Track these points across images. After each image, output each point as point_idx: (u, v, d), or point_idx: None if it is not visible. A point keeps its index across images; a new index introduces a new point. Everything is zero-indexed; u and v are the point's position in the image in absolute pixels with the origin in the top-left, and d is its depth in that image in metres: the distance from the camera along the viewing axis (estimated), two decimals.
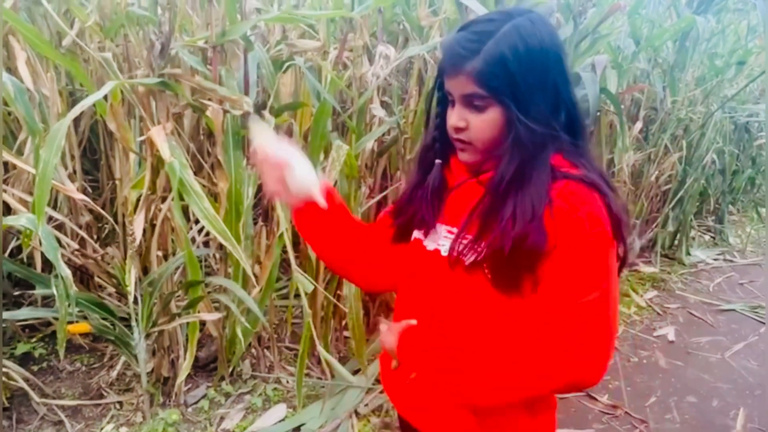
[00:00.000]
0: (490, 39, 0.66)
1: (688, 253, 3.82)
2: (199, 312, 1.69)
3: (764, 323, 2.92)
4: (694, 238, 4.04)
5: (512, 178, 0.67)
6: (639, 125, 3.27)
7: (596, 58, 2.24)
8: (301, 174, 0.76)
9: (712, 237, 4.28)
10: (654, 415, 2.06)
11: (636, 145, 3.43)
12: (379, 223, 0.90)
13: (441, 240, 0.77)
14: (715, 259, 3.87)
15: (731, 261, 3.88)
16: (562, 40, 2.25)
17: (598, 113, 2.60)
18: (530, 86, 0.67)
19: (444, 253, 0.75)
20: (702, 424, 2.02)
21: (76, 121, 2.37)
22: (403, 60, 1.91)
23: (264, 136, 0.78)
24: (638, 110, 3.43)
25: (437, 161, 0.79)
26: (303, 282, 1.53)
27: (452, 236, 0.74)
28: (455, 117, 0.71)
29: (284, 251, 1.96)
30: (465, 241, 0.71)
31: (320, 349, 1.61)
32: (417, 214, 0.80)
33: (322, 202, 0.81)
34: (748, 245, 4.18)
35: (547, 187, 0.67)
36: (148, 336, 1.69)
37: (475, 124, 0.70)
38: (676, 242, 3.85)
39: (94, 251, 2.08)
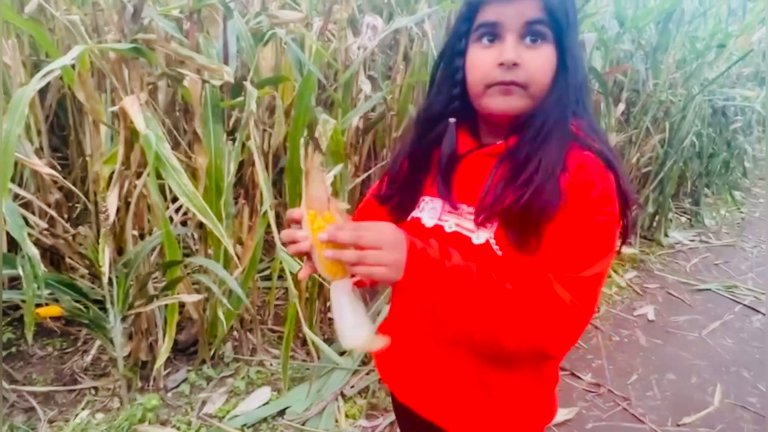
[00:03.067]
0: None
1: (666, 235, 3.89)
2: (178, 293, 1.63)
3: (738, 302, 3.00)
4: (671, 220, 4.11)
5: (548, 131, 0.64)
6: (621, 107, 3.28)
7: (585, 36, 2.21)
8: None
9: (688, 219, 4.37)
10: (636, 393, 2.09)
11: (618, 127, 3.44)
12: (364, 213, 0.85)
13: (444, 215, 0.72)
14: (691, 240, 3.95)
15: (707, 242, 3.97)
16: None
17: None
18: (575, 30, 0.65)
19: (448, 229, 0.70)
20: (682, 401, 2.06)
21: (43, 94, 2.23)
22: (388, 34, 1.85)
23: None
24: (621, 92, 3.44)
25: (451, 120, 0.70)
26: (289, 262, 1.47)
27: (456, 212, 0.70)
28: (511, 51, 0.62)
29: (267, 231, 1.90)
30: (482, 218, 0.66)
31: (306, 330, 1.56)
32: (419, 187, 0.74)
33: None
34: (723, 227, 4.28)
35: (566, 149, 0.64)
36: (124, 319, 1.62)
37: (533, 61, 0.63)
38: (654, 223, 3.91)
39: (65, 231, 1.98)
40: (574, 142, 0.65)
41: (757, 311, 2.90)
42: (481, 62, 0.65)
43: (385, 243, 0.58)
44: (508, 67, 0.63)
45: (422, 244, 0.61)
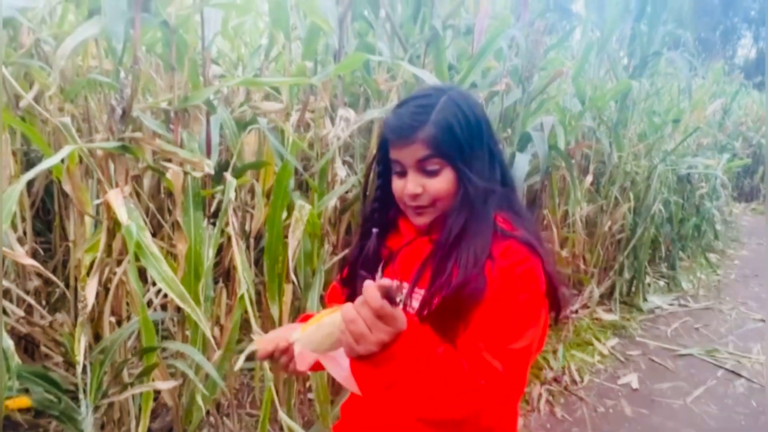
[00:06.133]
0: (433, 110, 0.76)
1: (645, 300, 3.95)
2: (153, 380, 1.61)
3: (720, 367, 3.01)
4: (649, 285, 4.19)
5: (459, 232, 0.74)
6: (590, 178, 3.47)
7: (544, 118, 2.39)
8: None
9: (666, 283, 4.46)
10: None
11: (588, 197, 3.61)
12: (333, 297, 0.92)
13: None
14: (670, 305, 4.01)
15: (685, 306, 4.03)
16: (513, 102, 2.42)
17: (549, 168, 2.74)
18: (472, 148, 0.76)
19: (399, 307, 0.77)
20: None
21: (30, 180, 2.31)
22: (364, 120, 1.99)
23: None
24: (588, 164, 3.65)
25: (374, 230, 0.84)
26: None
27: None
28: (411, 184, 0.77)
29: (246, 311, 1.91)
30: (417, 296, 0.76)
31: (282, 415, 1.54)
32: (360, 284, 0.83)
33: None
34: (700, 290, 4.36)
35: (490, 240, 0.73)
36: (96, 409, 1.59)
37: (432, 186, 0.76)
38: (633, 289, 3.98)
39: (42, 317, 1.97)
40: (497, 232, 0.75)
41: (740, 375, 2.91)
42: (396, 189, 0.80)
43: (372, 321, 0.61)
44: (411, 197, 0.77)
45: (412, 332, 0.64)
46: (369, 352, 0.61)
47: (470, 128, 0.75)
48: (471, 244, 0.72)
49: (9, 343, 1.25)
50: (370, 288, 0.59)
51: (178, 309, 1.78)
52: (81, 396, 1.53)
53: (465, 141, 0.75)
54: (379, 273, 0.71)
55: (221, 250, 2.06)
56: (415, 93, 0.83)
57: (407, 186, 0.77)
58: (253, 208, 2.09)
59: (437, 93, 0.77)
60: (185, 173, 1.51)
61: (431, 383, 0.64)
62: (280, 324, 1.88)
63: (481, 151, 0.77)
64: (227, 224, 1.56)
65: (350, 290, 0.85)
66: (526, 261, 0.72)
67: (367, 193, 0.88)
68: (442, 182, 0.76)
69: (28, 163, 2.27)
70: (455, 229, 0.74)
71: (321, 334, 0.65)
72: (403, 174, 0.78)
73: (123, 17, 1.32)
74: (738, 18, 25.85)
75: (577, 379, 2.74)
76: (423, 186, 0.76)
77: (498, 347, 0.67)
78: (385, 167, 0.82)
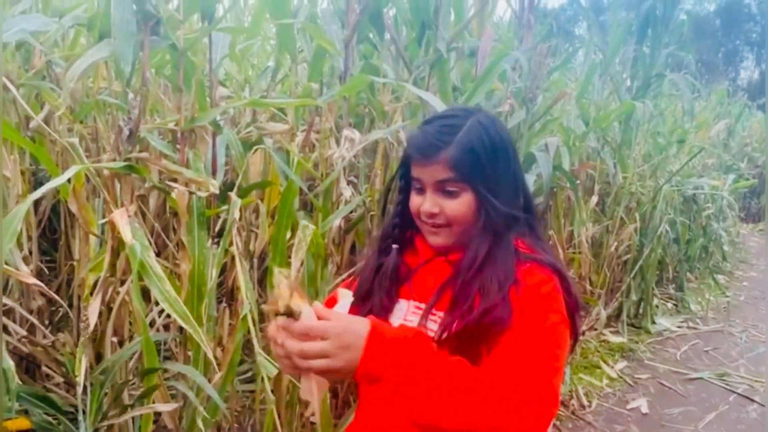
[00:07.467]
0: (459, 131, 0.74)
1: (653, 321, 3.89)
2: (154, 402, 1.59)
3: (732, 391, 2.94)
4: (657, 306, 4.13)
5: (484, 259, 0.73)
6: (595, 199, 3.46)
7: (549, 139, 2.40)
8: None
9: (674, 304, 4.39)
10: None
11: (594, 217, 3.60)
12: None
13: (409, 315, 0.78)
14: (678, 327, 3.94)
15: (695, 328, 3.96)
16: (517, 123, 2.43)
17: (554, 189, 2.74)
18: (497, 173, 0.75)
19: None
20: None
21: (38, 200, 2.33)
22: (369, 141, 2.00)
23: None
24: (593, 185, 3.64)
25: (394, 246, 0.82)
26: (266, 366, 1.47)
27: (420, 312, 0.77)
28: (429, 203, 0.76)
29: (248, 331, 1.90)
30: (435, 317, 0.73)
31: None
32: (377, 300, 0.81)
33: None
34: (709, 312, 4.29)
35: (514, 267, 0.72)
36: (96, 431, 1.56)
37: (450, 207, 0.75)
38: (641, 311, 3.92)
39: (44, 337, 1.96)
40: (518, 258, 0.74)
41: (753, 400, 2.84)
42: (414, 205, 0.79)
43: (329, 351, 0.60)
44: (428, 215, 0.76)
45: (388, 334, 0.63)
46: (345, 374, 0.60)
47: (496, 153, 0.74)
48: (495, 271, 0.71)
49: (10, 363, 1.24)
50: (272, 329, 0.61)
51: (181, 329, 1.77)
52: (80, 418, 1.51)
53: (489, 165, 0.73)
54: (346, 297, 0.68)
55: (225, 270, 2.06)
56: (442, 112, 0.83)
57: (424, 204, 0.76)
58: (257, 227, 2.09)
59: (465, 114, 0.76)
60: (190, 193, 1.52)
61: (440, 387, 0.62)
62: None
63: (506, 177, 0.75)
64: (231, 244, 1.55)
65: (369, 307, 0.81)
66: (550, 281, 0.71)
67: (386, 209, 0.87)
68: (460, 205, 0.75)
69: (37, 183, 2.29)
70: (480, 255, 0.72)
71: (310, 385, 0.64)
72: (422, 191, 0.77)
73: (132, 40, 1.34)
74: (740, 41, 26.12)
75: (585, 403, 2.68)
76: (440, 206, 0.75)
77: (530, 369, 0.66)
78: (406, 183, 0.81)
